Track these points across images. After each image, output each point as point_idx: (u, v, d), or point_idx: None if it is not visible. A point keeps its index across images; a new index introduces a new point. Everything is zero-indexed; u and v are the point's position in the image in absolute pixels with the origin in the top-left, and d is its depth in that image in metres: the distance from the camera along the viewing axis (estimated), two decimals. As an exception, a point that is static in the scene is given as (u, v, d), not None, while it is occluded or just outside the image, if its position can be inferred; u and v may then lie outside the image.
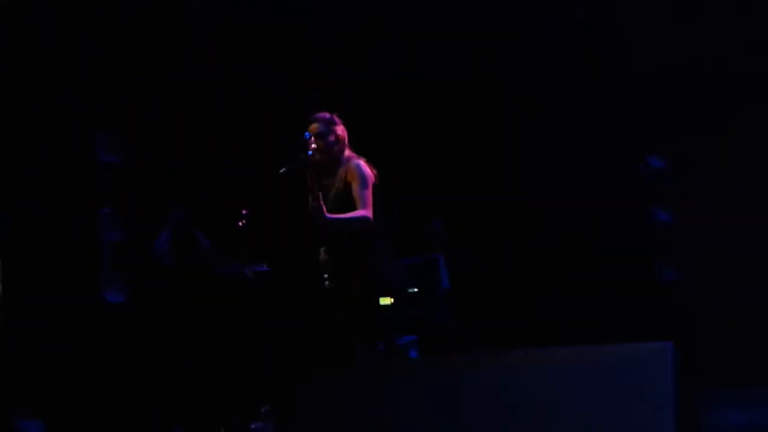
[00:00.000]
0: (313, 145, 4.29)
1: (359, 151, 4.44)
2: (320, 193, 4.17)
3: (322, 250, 4.52)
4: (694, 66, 6.19)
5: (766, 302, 5.66)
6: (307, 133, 4.30)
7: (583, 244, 6.33)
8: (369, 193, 4.22)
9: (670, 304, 5.44)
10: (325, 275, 4.47)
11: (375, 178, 4.32)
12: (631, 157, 6.18)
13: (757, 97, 6.05)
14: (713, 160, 6.13)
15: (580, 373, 3.26)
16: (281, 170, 4.31)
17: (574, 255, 6.36)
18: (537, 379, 3.35)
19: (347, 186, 4.28)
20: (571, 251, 6.36)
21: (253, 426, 4.98)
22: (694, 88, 6.22)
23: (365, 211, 4.19)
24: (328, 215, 4.16)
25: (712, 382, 4.87)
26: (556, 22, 6.56)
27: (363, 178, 4.26)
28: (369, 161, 4.35)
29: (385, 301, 4.58)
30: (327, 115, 4.38)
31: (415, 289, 5.36)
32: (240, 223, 4.80)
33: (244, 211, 4.82)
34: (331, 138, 4.31)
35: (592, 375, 3.23)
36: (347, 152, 4.37)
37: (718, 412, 4.26)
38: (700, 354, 4.28)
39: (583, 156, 6.45)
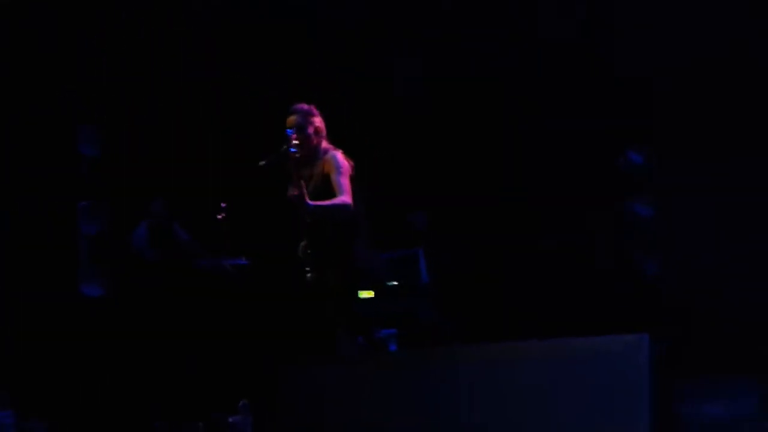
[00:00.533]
0: (295, 141, 4.35)
1: (345, 145, 4.52)
2: (303, 182, 4.24)
3: (302, 243, 4.58)
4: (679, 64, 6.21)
5: (745, 296, 5.72)
6: (289, 130, 4.36)
7: (564, 239, 6.39)
8: (347, 181, 4.34)
9: (649, 298, 5.49)
10: (306, 267, 4.53)
11: (351, 169, 4.42)
12: (612, 154, 6.23)
13: (739, 92, 6.08)
14: (694, 154, 6.18)
15: (559, 365, 3.32)
16: (261, 163, 4.37)
17: (555, 249, 6.41)
18: (517, 371, 3.40)
19: (325, 177, 4.38)
20: (553, 245, 6.42)
21: (231, 419, 5.00)
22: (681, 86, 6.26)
23: (345, 197, 4.29)
24: (311, 202, 4.24)
25: (689, 374, 4.96)
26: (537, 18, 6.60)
27: (340, 167, 4.36)
28: (347, 154, 4.46)
29: (366, 294, 4.64)
30: (305, 106, 4.48)
31: (395, 283, 5.39)
32: (219, 216, 4.82)
33: (222, 204, 4.84)
34: (310, 129, 4.42)
35: (571, 367, 3.29)
36: (325, 144, 4.47)
37: (693, 404, 4.35)
38: (678, 345, 4.35)
39: (564, 152, 6.50)
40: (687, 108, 6.18)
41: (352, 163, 4.44)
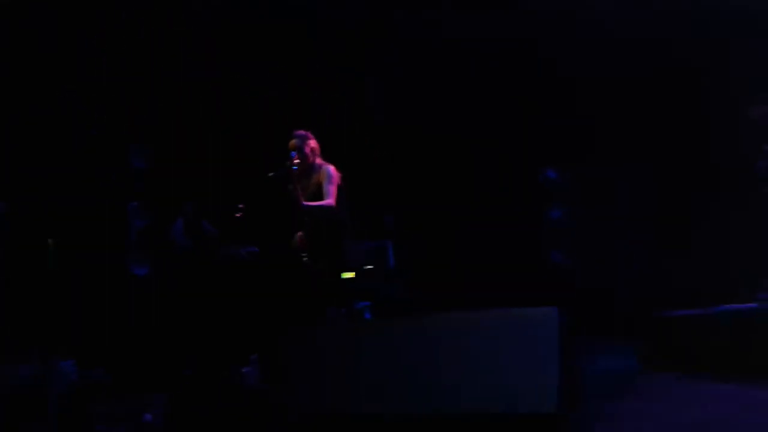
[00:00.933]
0: (296, 161, 4.44)
1: (335, 158, 4.65)
2: (299, 186, 4.35)
3: (299, 234, 4.65)
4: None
5: (628, 278, 5.84)
6: (292, 152, 4.46)
7: (497, 235, 6.47)
8: (334, 189, 4.47)
9: (559, 280, 5.58)
10: (303, 254, 4.61)
11: (340, 179, 4.52)
12: (538, 164, 6.26)
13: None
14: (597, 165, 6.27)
15: (490, 331, 3.40)
16: (270, 174, 4.47)
17: (489, 243, 6.51)
18: (461, 335, 3.48)
19: (320, 185, 4.48)
20: (488, 240, 6.51)
21: (244, 370, 5.03)
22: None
23: (330, 201, 4.43)
24: (304, 203, 4.37)
25: (588, 337, 5.06)
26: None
27: (330, 178, 4.51)
28: (337, 167, 4.57)
29: (349, 274, 4.72)
30: (303, 132, 4.61)
31: (370, 267, 5.45)
32: (237, 215, 4.87)
33: (240, 206, 4.90)
34: (307, 150, 4.55)
35: (499, 332, 3.37)
36: (319, 160, 4.57)
37: (590, 360, 4.46)
38: (579, 316, 4.43)
39: (498, 167, 6.58)
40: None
41: (341, 174, 4.56)
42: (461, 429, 3.27)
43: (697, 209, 5.80)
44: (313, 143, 4.64)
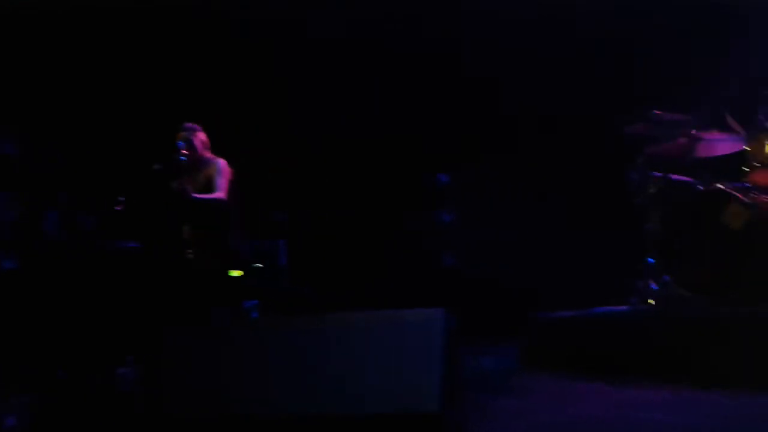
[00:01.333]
0: (185, 152, 4.33)
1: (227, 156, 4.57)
2: (188, 180, 4.25)
3: (185, 228, 4.51)
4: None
5: (511, 281, 6.07)
6: (180, 142, 4.36)
7: (389, 237, 6.57)
8: (225, 183, 4.43)
9: (447, 281, 5.72)
10: (189, 250, 4.47)
11: (231, 174, 4.46)
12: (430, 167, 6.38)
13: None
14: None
15: (376, 331, 3.41)
16: (155, 166, 4.32)
17: (382, 245, 6.59)
18: (345, 335, 3.48)
19: (209, 180, 4.41)
20: (380, 243, 6.59)
21: (120, 371, 4.82)
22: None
23: (221, 194, 4.36)
24: (193, 194, 4.27)
25: (472, 336, 5.21)
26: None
27: (221, 171, 4.51)
28: (229, 163, 4.50)
29: (236, 273, 4.63)
30: (192, 124, 4.52)
31: (260, 265, 5.37)
32: (117, 208, 4.66)
33: (121, 198, 4.70)
34: (196, 142, 4.49)
35: (386, 332, 3.39)
36: (209, 154, 4.51)
37: (474, 359, 4.60)
38: (466, 317, 4.55)
39: (392, 170, 6.67)
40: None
41: (232, 170, 4.51)
42: (345, 430, 3.26)
43: (578, 217, 6.14)
44: (202, 136, 4.59)
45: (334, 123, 6.61)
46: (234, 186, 4.49)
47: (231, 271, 4.56)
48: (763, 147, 4.41)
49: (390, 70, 6.57)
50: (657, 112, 4.70)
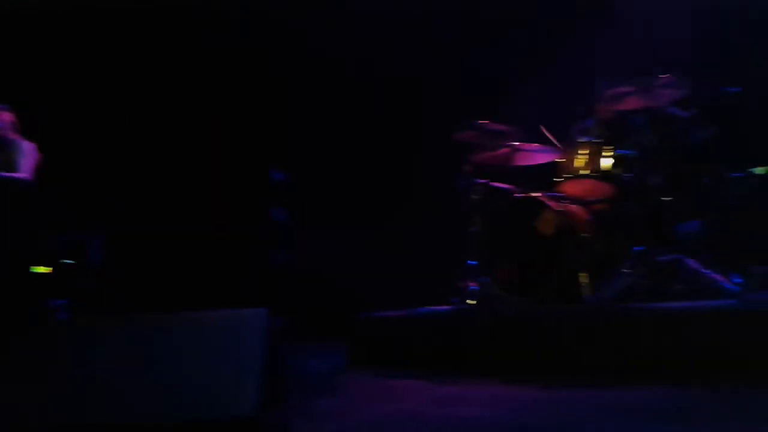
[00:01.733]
0: None
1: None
2: None
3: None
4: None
5: (343, 279, 6.08)
6: None
7: (218, 235, 6.36)
8: (31, 164, 4.32)
9: (277, 280, 5.64)
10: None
11: (38, 159, 4.31)
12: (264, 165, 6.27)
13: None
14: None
15: (195, 332, 3.28)
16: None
17: (209, 242, 6.37)
18: (161, 337, 3.32)
19: (12, 162, 4.19)
20: (207, 240, 6.37)
21: None
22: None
23: (24, 174, 4.22)
24: None
25: (301, 337, 5.16)
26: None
27: (26, 153, 4.33)
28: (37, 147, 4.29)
29: (42, 269, 4.27)
30: None
31: (70, 261, 4.95)
32: None
33: None
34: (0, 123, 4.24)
35: (204, 334, 3.26)
36: (15, 135, 4.30)
37: (303, 360, 4.56)
38: (294, 316, 4.49)
39: (224, 161, 6.49)
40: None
41: (40, 155, 4.28)
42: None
43: (407, 220, 6.31)
44: (7, 116, 4.24)
45: (160, 116, 6.33)
46: (41, 174, 4.20)
47: (36, 267, 4.17)
48: (575, 160, 4.76)
49: (224, 65, 6.42)
50: (483, 122, 4.93)
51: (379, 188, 6.34)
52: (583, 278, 4.33)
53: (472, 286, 4.78)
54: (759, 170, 4.34)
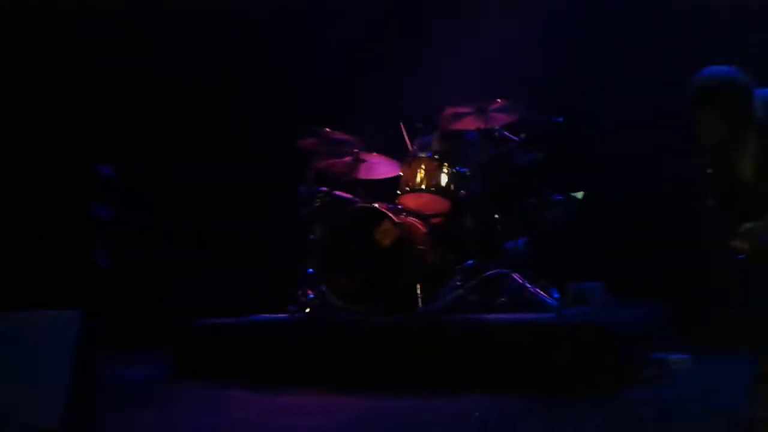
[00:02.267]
0: None
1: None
2: None
3: None
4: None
5: (169, 284, 5.79)
6: None
7: (34, 229, 5.81)
8: None
9: (99, 283, 5.24)
10: None
11: None
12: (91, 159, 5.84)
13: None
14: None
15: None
16: None
17: (26, 240, 5.82)
18: None
19: None
20: (25, 237, 5.82)
21: None
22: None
23: None
24: None
25: (123, 345, 4.83)
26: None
27: None
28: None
29: None
30: None
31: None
32: None
33: None
34: None
35: (6, 335, 2.98)
36: None
37: (118, 369, 4.27)
38: (114, 322, 4.18)
39: (44, 154, 5.97)
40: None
41: None
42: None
43: (246, 223, 6.14)
44: None
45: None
46: None
47: None
48: (415, 174, 4.87)
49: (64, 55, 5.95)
50: (327, 129, 4.90)
51: (218, 190, 6.12)
52: (418, 289, 4.42)
53: (310, 294, 4.71)
54: (577, 194, 4.68)
